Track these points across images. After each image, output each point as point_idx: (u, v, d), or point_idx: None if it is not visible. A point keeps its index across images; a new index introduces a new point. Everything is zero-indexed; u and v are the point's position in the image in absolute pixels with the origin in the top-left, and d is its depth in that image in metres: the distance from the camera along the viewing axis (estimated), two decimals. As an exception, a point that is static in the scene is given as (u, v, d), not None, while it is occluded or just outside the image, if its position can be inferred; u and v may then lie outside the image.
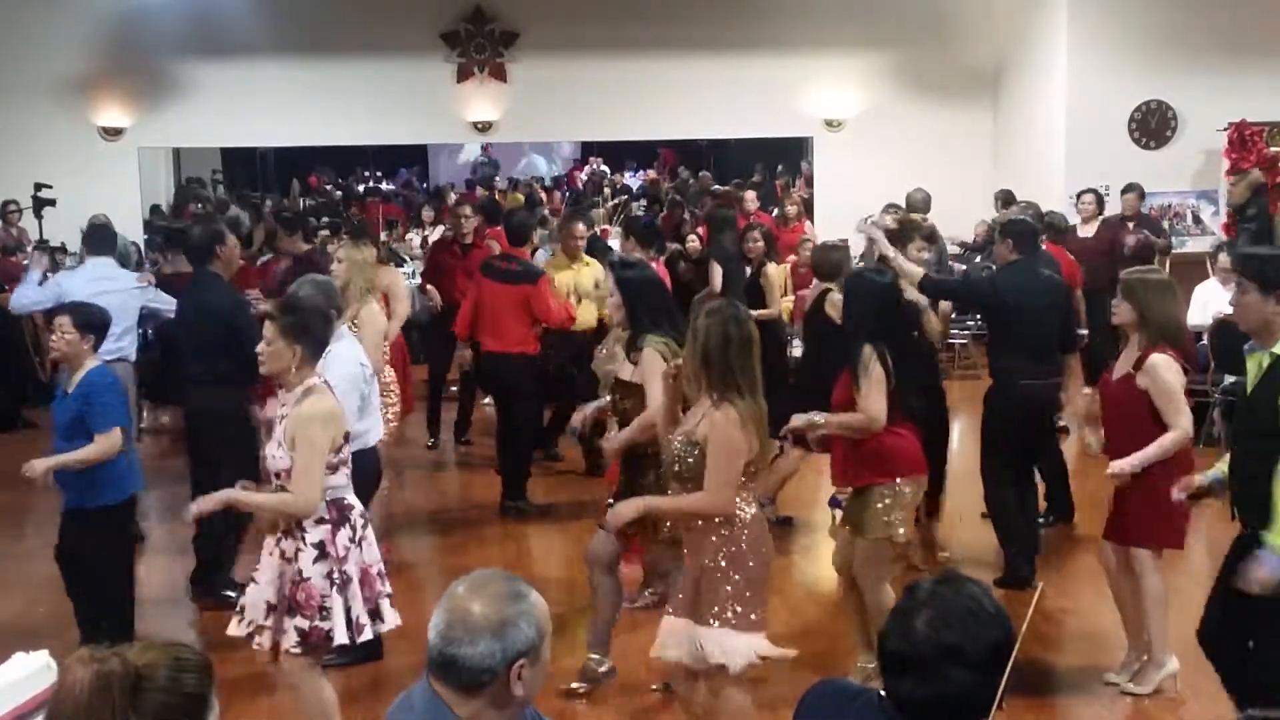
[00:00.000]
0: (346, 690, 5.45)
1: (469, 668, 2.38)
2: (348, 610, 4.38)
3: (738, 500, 4.21)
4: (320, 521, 4.39)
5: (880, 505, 5.07)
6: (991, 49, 14.42)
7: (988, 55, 14.43)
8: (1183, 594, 6.67)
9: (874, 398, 5.02)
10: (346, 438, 4.50)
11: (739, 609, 4.19)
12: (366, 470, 5.42)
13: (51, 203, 11.02)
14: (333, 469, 4.42)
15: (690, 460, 4.20)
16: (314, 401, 4.38)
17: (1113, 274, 8.75)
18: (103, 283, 7.43)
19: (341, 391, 4.91)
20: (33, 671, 2.90)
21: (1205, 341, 9.16)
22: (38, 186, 11.04)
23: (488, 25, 14.14)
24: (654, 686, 5.31)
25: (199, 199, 16.41)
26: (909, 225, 7.19)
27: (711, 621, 4.19)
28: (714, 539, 4.22)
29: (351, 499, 4.54)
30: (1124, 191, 11.50)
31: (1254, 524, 4.25)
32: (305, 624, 4.34)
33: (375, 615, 4.49)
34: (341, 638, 4.37)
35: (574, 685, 5.33)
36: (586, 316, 8.55)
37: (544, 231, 12.90)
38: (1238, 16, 12.85)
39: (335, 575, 4.37)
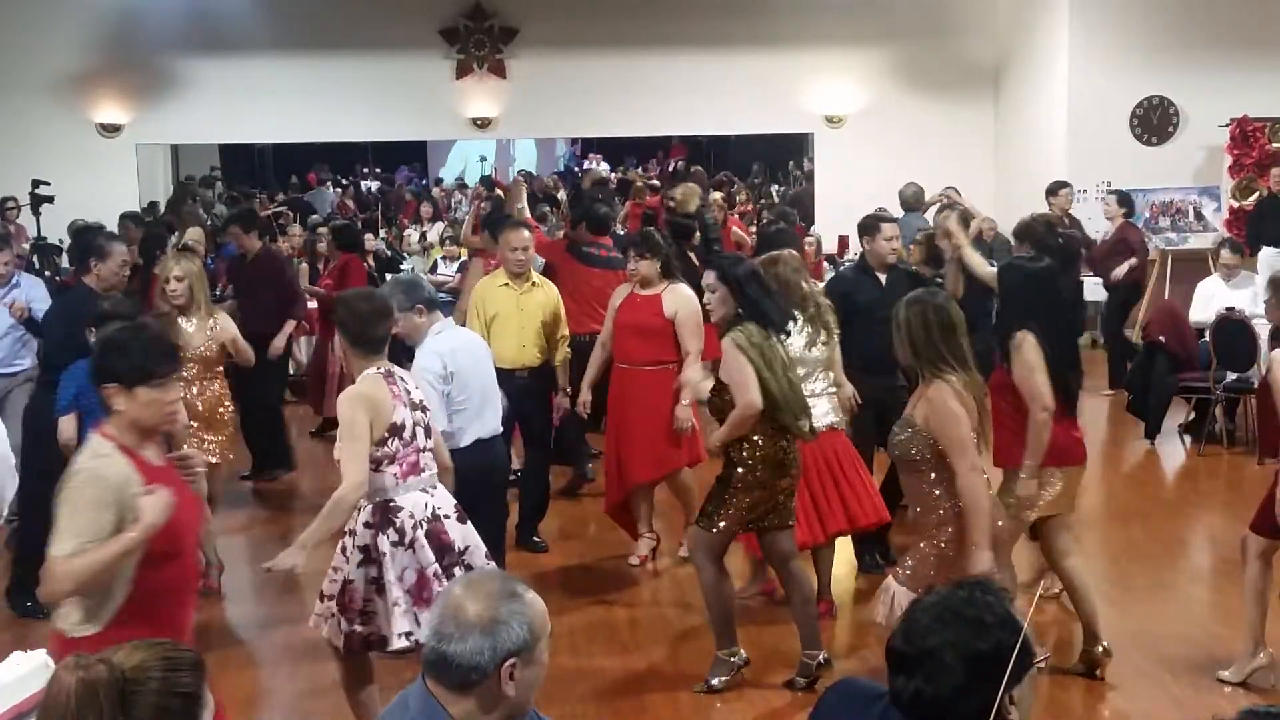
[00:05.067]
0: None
1: (459, 665, 2.37)
2: (398, 617, 4.28)
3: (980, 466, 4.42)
4: (366, 525, 4.35)
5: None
6: (993, 44, 14.40)
7: (989, 51, 14.41)
8: (1178, 590, 6.68)
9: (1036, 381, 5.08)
10: (393, 430, 4.35)
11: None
12: (478, 465, 5.32)
13: (49, 199, 11.01)
14: (375, 465, 4.31)
15: (913, 446, 4.35)
16: (355, 386, 4.37)
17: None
18: None
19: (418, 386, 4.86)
20: (30, 671, 2.88)
21: (1207, 339, 9.13)
22: (35, 183, 11.03)
23: (487, 21, 14.13)
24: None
25: (193, 195, 16.38)
26: (875, 217, 7.18)
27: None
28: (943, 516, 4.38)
29: (403, 500, 4.37)
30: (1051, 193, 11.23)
31: None
32: (349, 627, 4.35)
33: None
34: (395, 643, 4.28)
35: (713, 683, 5.28)
36: None
37: (544, 228, 12.86)
38: (1239, 12, 12.84)
39: (382, 579, 4.29)
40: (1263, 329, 8.89)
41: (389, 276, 13.10)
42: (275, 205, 15.65)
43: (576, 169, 23.12)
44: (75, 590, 3.26)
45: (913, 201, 10.81)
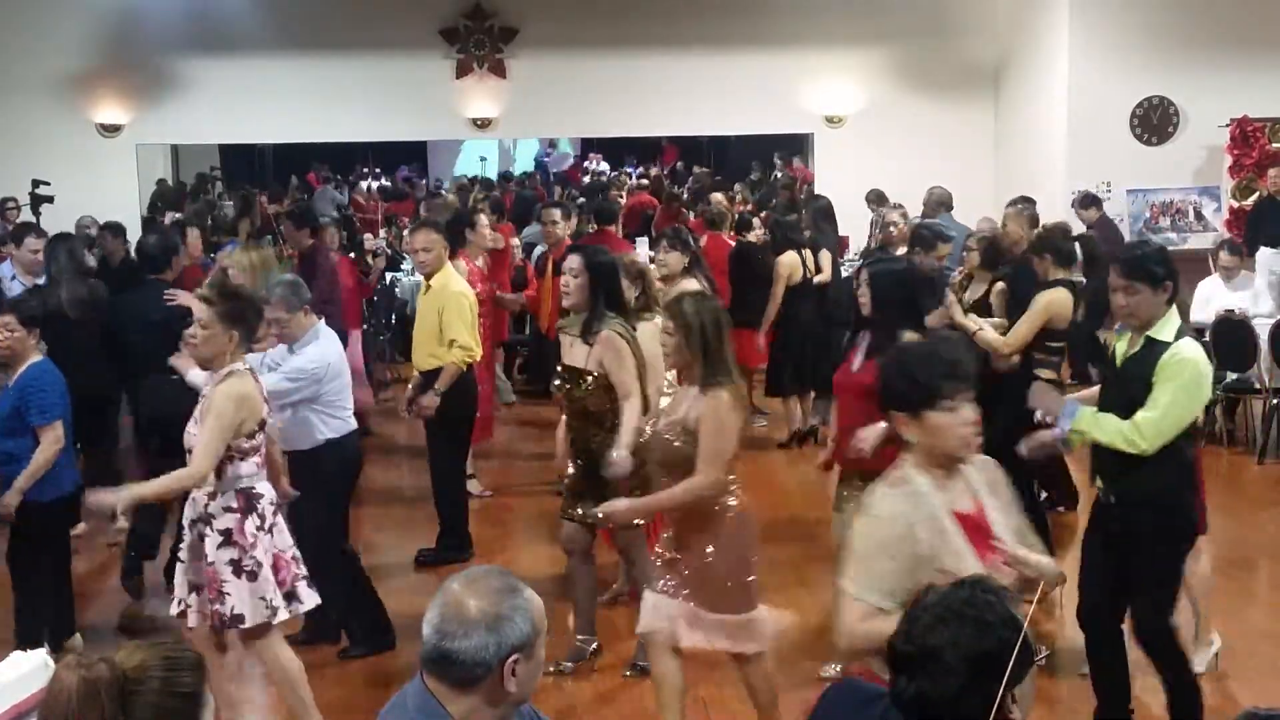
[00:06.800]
0: (347, 693, 5.44)
1: (463, 662, 2.37)
2: (262, 596, 4.53)
3: (729, 486, 4.33)
4: (228, 510, 4.51)
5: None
6: (993, 44, 14.40)
7: (989, 51, 14.40)
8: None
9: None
10: (262, 426, 4.58)
11: (735, 599, 4.32)
12: (356, 457, 5.79)
13: (49, 199, 11.01)
14: (242, 455, 4.52)
15: (679, 447, 4.28)
16: (233, 381, 4.50)
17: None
18: None
19: (291, 383, 5.29)
20: (30, 670, 2.89)
21: (1207, 339, 9.13)
22: (35, 183, 11.04)
23: (487, 21, 14.11)
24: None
25: (195, 195, 16.40)
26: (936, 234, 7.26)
27: (722, 613, 4.31)
28: (701, 534, 4.31)
29: (261, 488, 4.61)
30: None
31: (1112, 486, 4.51)
32: (206, 606, 4.55)
33: (291, 597, 4.64)
34: (251, 619, 4.52)
35: (562, 664, 5.42)
36: None
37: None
38: (1240, 12, 12.83)
39: (244, 562, 4.50)
40: (1263, 329, 8.90)
41: (388, 276, 13.23)
42: (288, 205, 15.68)
43: (545, 158, 23.21)
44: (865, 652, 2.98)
45: (949, 203, 10.72)
